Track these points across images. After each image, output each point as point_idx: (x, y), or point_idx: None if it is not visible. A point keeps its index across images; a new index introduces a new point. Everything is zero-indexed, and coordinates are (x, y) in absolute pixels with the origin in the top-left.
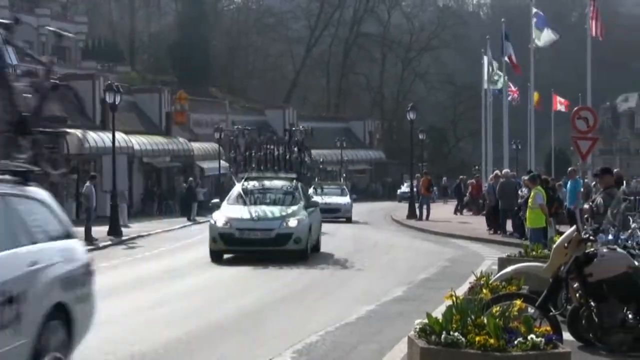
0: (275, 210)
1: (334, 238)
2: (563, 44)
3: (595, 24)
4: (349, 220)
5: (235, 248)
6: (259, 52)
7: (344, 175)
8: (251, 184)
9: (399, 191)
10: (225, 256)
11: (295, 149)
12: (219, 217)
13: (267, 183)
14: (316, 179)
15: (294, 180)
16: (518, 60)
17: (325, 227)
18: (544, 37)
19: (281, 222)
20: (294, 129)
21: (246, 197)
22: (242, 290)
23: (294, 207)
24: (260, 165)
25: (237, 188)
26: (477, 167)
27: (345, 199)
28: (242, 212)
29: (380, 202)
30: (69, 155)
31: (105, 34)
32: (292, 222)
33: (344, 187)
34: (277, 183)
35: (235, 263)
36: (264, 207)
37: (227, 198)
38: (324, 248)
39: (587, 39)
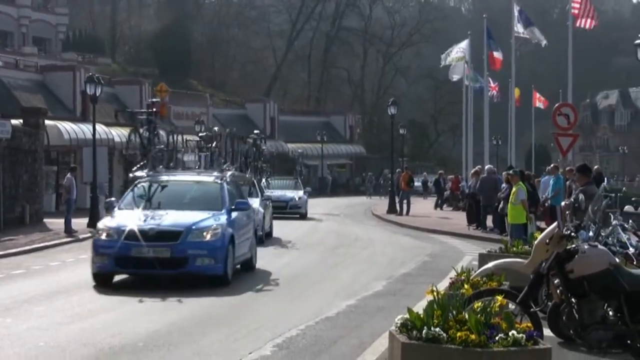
0: None
1: (316, 232)
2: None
3: (585, 20)
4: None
5: None
6: (240, 45)
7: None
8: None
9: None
10: None
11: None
12: None
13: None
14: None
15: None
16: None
17: (308, 222)
18: (535, 32)
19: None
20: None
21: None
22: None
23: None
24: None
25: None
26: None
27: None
28: None
29: (361, 197)
30: (49, 147)
31: (86, 26)
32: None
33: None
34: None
35: None
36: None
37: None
38: (306, 241)
39: (568, 35)
